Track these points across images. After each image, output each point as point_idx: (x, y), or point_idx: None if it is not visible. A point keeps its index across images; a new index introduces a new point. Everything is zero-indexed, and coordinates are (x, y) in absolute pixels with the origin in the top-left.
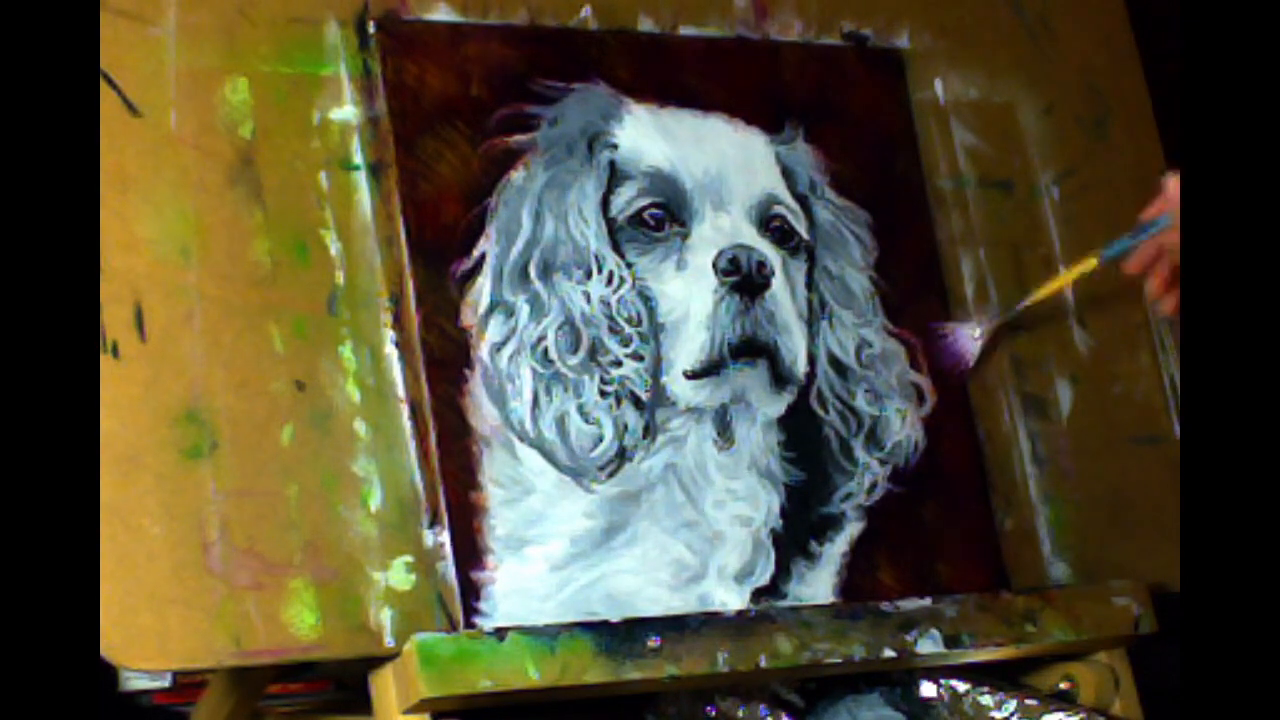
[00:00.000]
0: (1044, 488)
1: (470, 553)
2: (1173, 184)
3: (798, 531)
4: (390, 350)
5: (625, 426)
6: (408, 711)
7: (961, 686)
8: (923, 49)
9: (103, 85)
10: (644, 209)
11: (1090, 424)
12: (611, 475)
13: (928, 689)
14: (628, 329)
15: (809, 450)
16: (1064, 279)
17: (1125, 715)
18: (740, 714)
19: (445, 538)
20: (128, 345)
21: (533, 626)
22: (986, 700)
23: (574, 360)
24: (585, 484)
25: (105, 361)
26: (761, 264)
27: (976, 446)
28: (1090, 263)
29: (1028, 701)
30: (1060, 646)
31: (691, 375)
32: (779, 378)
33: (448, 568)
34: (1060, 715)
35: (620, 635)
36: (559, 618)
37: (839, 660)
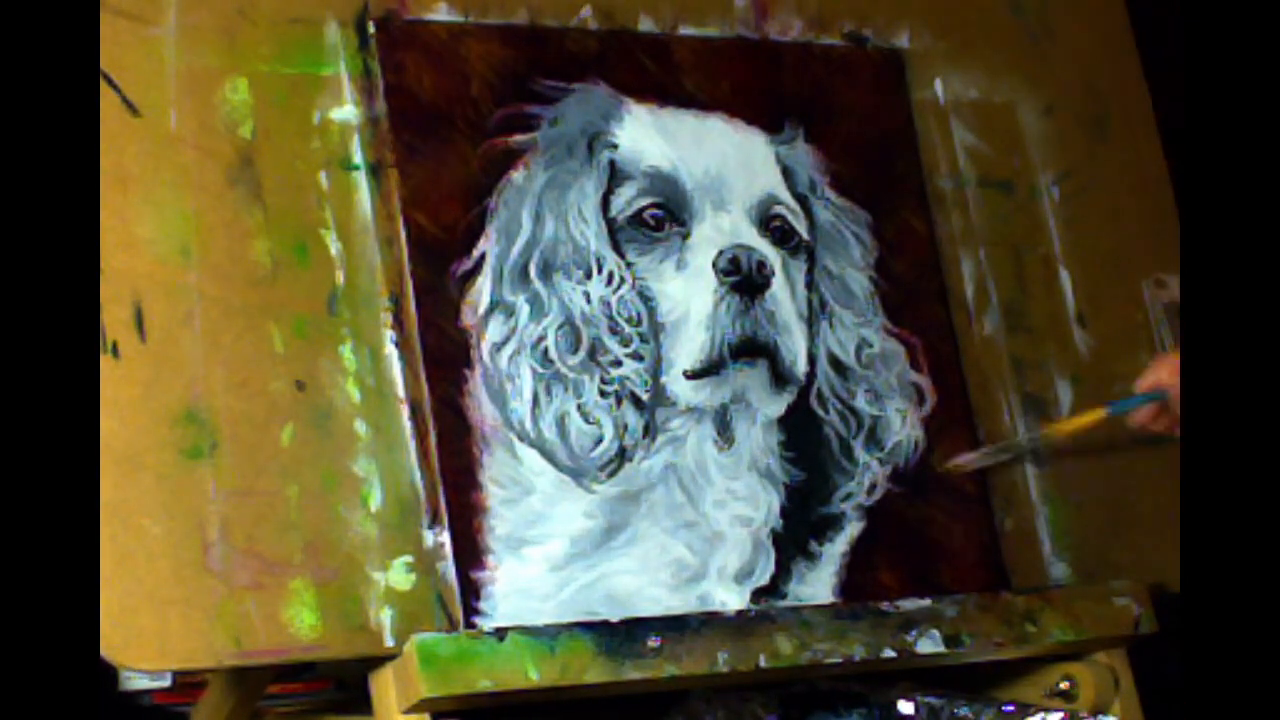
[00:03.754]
0: (1044, 488)
1: (470, 553)
2: (1169, 364)
3: (798, 531)
4: (390, 350)
5: (625, 426)
6: (408, 711)
7: (938, 702)
8: (923, 49)
9: (103, 85)
10: (644, 209)
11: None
12: (611, 475)
13: (905, 707)
14: (628, 329)
15: (809, 450)
16: (1072, 424)
17: (1124, 715)
18: None
19: (445, 538)
20: (128, 345)
21: (533, 626)
22: (964, 712)
23: (574, 360)
24: (585, 484)
25: (105, 361)
26: (761, 264)
27: (976, 447)
28: (1099, 412)
29: (1004, 709)
30: (1060, 646)
31: (692, 375)
32: (779, 378)
33: (448, 568)
34: (1040, 716)
35: (620, 635)
36: (559, 618)
37: (839, 660)
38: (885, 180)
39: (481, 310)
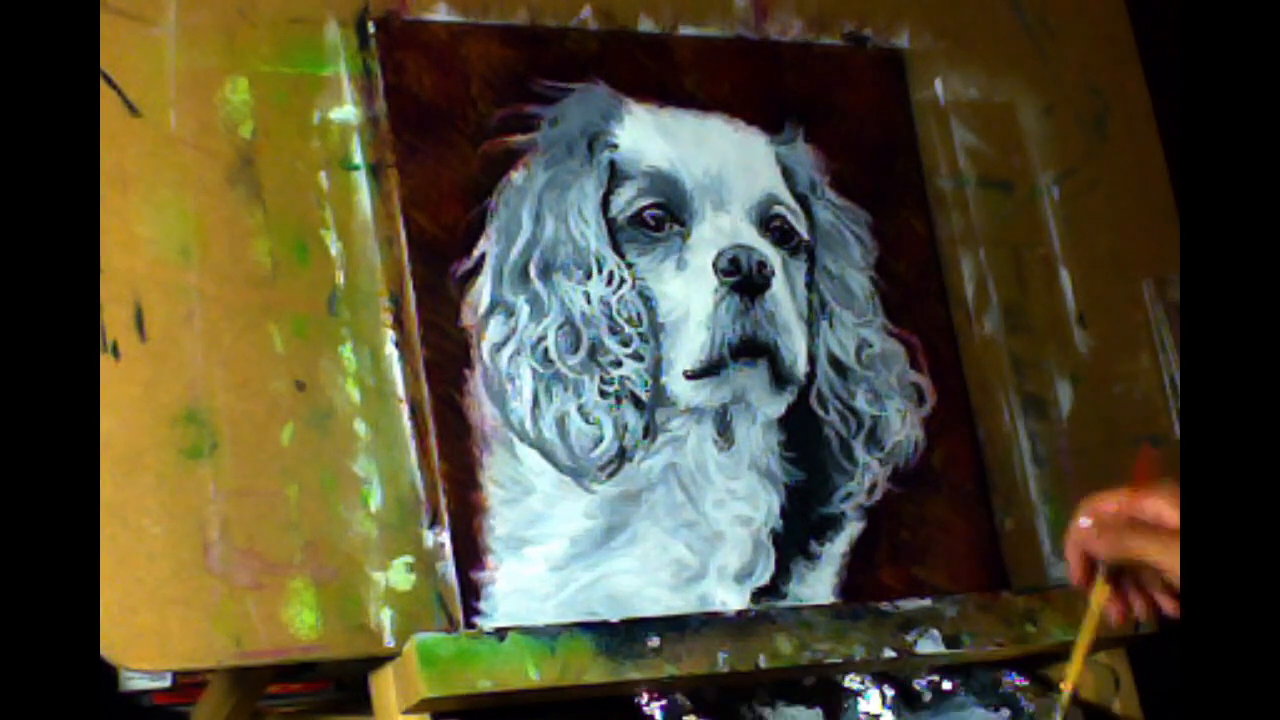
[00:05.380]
0: (1044, 488)
1: (470, 553)
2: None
3: (798, 531)
4: (390, 350)
5: (625, 426)
6: (408, 711)
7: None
8: (923, 49)
9: (103, 85)
10: (644, 209)
11: (1090, 424)
12: (611, 475)
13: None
14: (628, 329)
15: (809, 450)
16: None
17: (1125, 715)
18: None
19: (445, 538)
20: (128, 345)
21: (533, 626)
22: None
23: (574, 360)
24: (585, 484)
25: (105, 361)
26: (762, 264)
27: (976, 446)
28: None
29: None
30: (1060, 646)
31: (692, 375)
32: (779, 378)
33: (448, 568)
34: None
35: (620, 635)
36: (559, 618)
37: (839, 660)
38: (885, 180)
39: (481, 310)
